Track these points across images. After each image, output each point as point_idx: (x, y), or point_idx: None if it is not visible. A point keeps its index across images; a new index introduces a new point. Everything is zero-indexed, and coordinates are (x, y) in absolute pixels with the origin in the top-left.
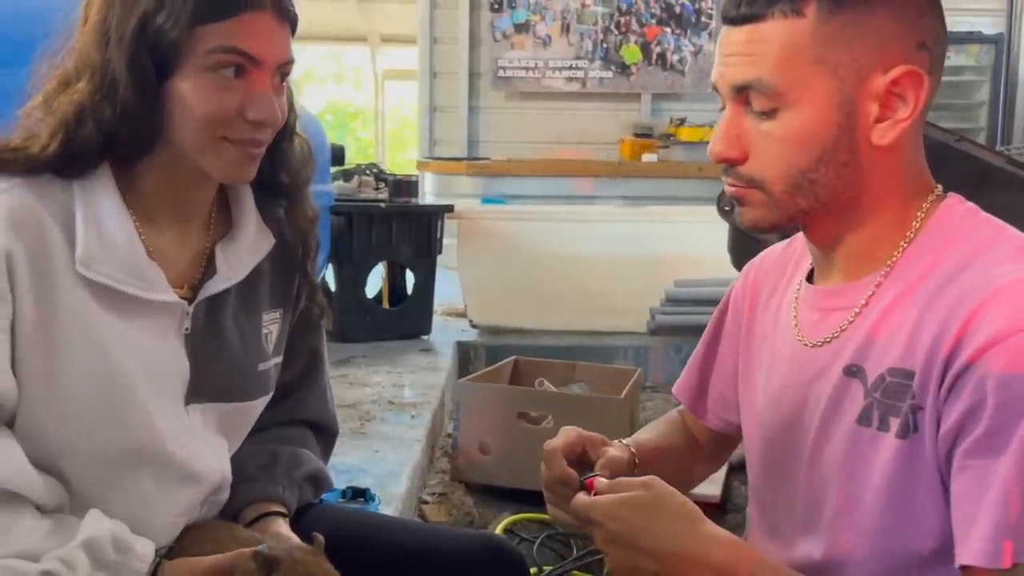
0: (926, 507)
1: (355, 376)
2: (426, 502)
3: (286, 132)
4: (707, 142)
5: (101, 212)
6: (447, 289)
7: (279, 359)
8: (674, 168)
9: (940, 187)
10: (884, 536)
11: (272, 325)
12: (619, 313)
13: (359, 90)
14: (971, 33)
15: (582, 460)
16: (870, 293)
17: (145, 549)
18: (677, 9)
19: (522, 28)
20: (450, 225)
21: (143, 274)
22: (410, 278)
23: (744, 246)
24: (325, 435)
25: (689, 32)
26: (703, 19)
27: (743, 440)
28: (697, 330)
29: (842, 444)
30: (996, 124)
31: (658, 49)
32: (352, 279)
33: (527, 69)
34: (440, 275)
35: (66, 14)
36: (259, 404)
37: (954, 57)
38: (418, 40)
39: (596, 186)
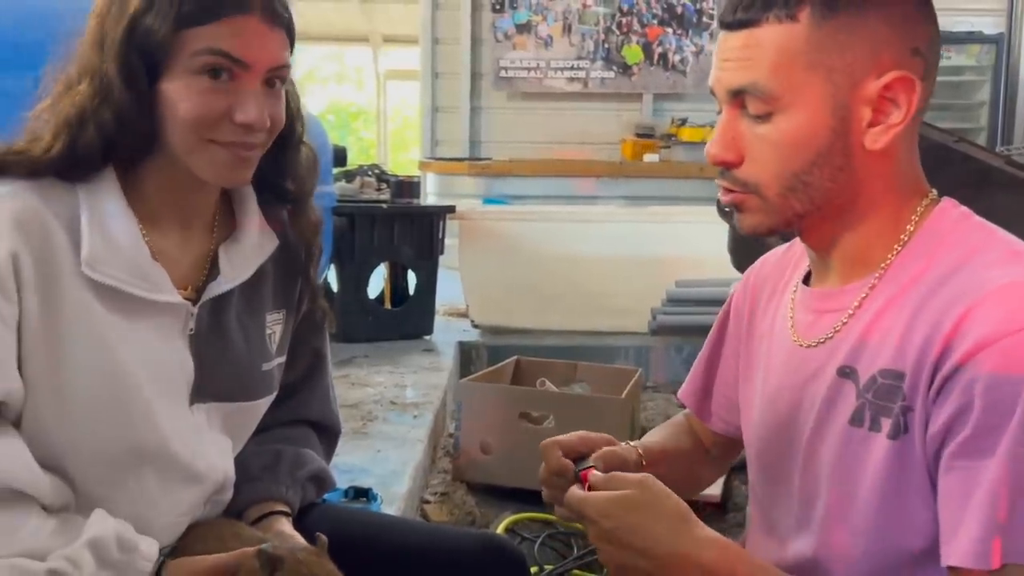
0: (917, 507)
1: (357, 376)
2: (428, 502)
3: (293, 140)
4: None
5: (105, 214)
6: (449, 289)
7: (282, 359)
8: (675, 168)
9: (935, 191)
10: (876, 535)
11: (275, 325)
12: (620, 313)
13: (361, 90)
14: (971, 33)
15: (581, 456)
16: (864, 295)
17: (150, 548)
18: (679, 9)
19: (523, 28)
20: (452, 225)
21: (147, 275)
22: (412, 278)
23: (744, 247)
24: (328, 435)
25: (691, 32)
26: (704, 19)
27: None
28: (698, 330)
29: (835, 444)
30: (996, 124)
31: (659, 49)
32: (354, 280)
33: (529, 69)
34: (442, 275)
35: (67, 17)
36: (263, 404)
37: (954, 57)
38: (420, 40)
39: (597, 186)
